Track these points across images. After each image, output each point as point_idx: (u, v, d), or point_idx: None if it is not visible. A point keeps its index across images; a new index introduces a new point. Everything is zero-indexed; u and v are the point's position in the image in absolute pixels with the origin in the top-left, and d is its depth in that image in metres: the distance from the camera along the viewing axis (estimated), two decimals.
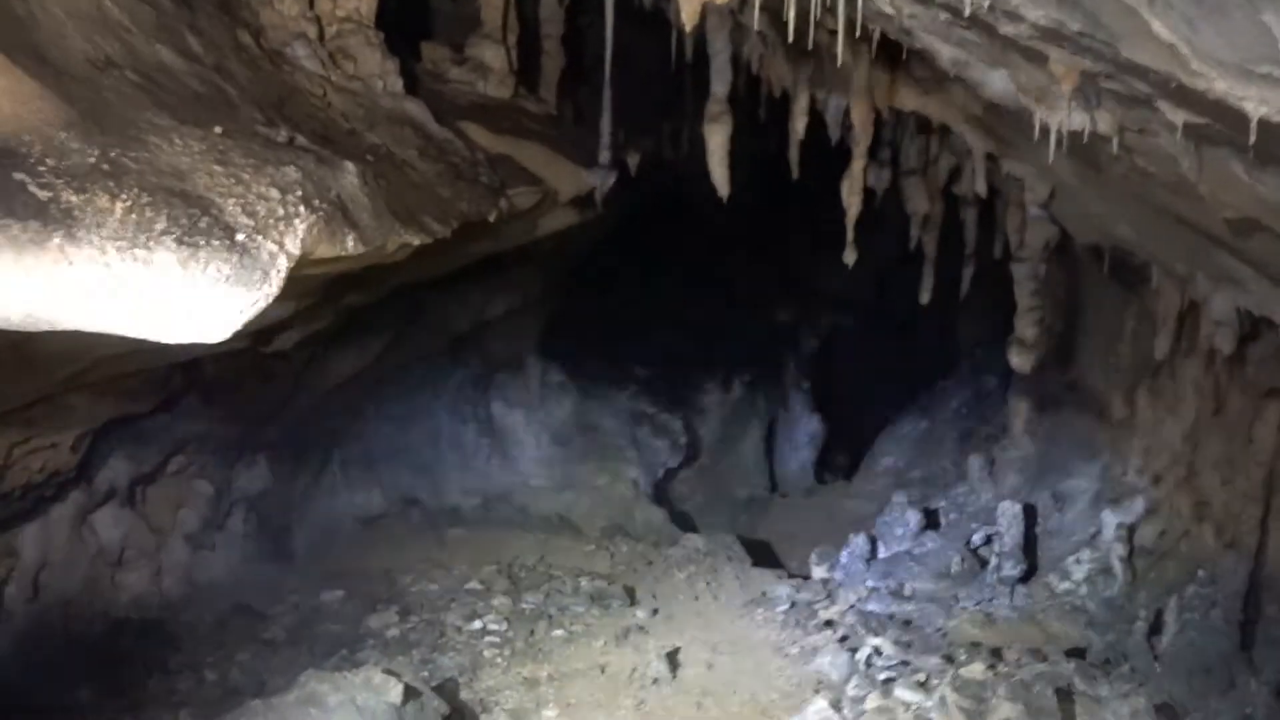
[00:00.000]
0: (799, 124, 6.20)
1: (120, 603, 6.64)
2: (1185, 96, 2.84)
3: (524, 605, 7.36)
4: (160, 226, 2.89)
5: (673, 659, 6.47)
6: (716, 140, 6.27)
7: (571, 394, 10.19)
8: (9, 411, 4.67)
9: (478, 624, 7.01)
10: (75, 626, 6.27)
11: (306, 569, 7.85)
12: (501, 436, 9.84)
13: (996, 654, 6.68)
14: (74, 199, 2.75)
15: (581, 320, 10.91)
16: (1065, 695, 5.96)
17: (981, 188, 6.58)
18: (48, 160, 2.79)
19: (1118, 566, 7.34)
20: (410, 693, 5.06)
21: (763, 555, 9.66)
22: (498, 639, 6.78)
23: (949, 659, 6.63)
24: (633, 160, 6.56)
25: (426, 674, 5.98)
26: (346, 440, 8.82)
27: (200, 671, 6.12)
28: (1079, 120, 3.68)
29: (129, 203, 2.85)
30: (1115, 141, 3.72)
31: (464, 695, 5.88)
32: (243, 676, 6.13)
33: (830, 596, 7.83)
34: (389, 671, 5.16)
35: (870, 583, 8.02)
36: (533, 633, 6.91)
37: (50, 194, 2.71)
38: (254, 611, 6.93)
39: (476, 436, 9.76)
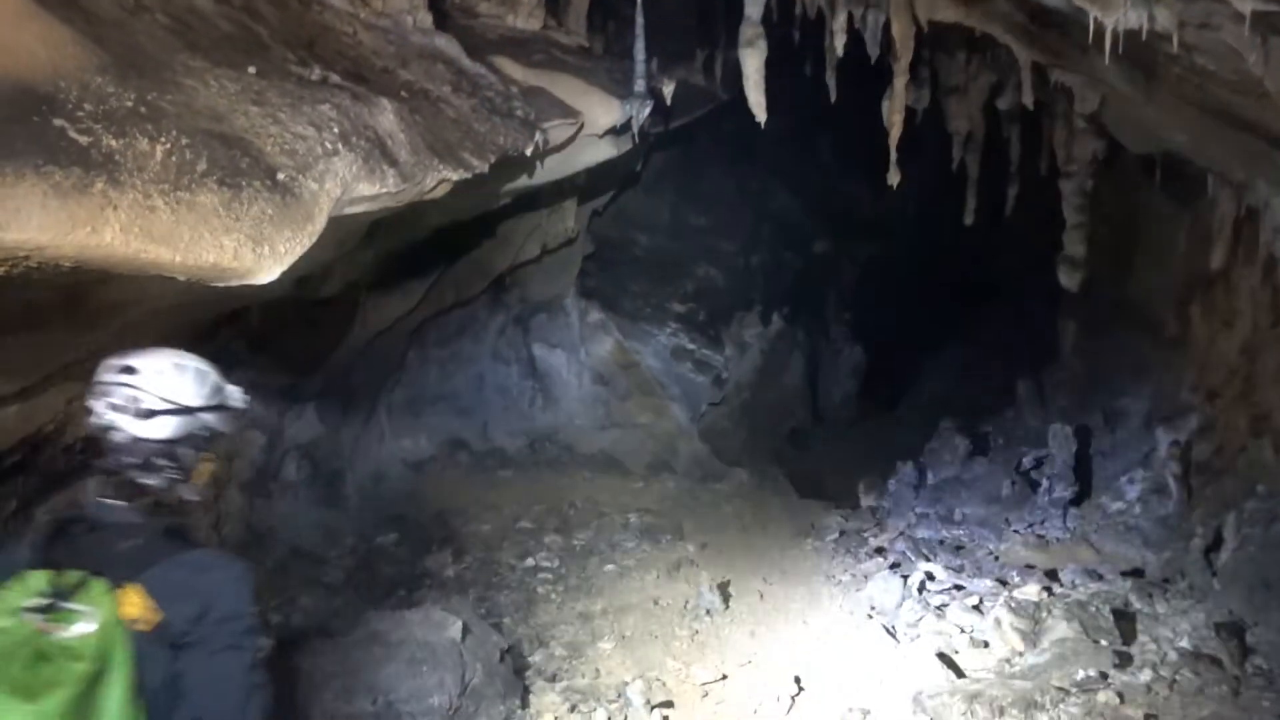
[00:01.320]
0: (837, 42, 6.03)
1: None
2: None
3: (575, 542, 7.44)
4: (201, 168, 2.88)
5: (724, 590, 6.51)
6: (752, 65, 6.14)
7: (612, 333, 10.17)
8: (66, 365, 4.73)
9: (530, 562, 7.10)
10: None
11: (360, 514, 7.97)
12: (544, 377, 9.87)
13: (1050, 575, 6.66)
14: (114, 144, 2.73)
15: (619, 258, 10.85)
16: (1122, 614, 5.93)
17: (1029, 100, 6.38)
18: (85, 105, 2.77)
19: (1172, 485, 7.24)
20: (469, 629, 5.14)
21: (809, 487, 9.67)
22: (551, 575, 6.86)
23: (1002, 582, 6.62)
24: (667, 89, 6.42)
25: (484, 611, 6.07)
26: (392, 386, 8.88)
27: (264, 615, 6.25)
28: (1135, 18, 3.53)
29: (169, 145, 2.84)
30: (1175, 39, 3.56)
31: (521, 630, 5.96)
32: (305, 619, 6.26)
33: (879, 524, 7.84)
34: (447, 609, 5.24)
35: (919, 509, 8.01)
36: (585, 569, 6.98)
37: (90, 139, 2.70)
38: (312, 556, 7.06)
39: (519, 378, 9.80)
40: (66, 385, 4.84)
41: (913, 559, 6.99)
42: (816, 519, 8.11)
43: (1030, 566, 6.85)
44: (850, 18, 6.17)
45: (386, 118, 3.71)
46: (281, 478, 7.60)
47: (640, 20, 5.72)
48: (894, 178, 6.46)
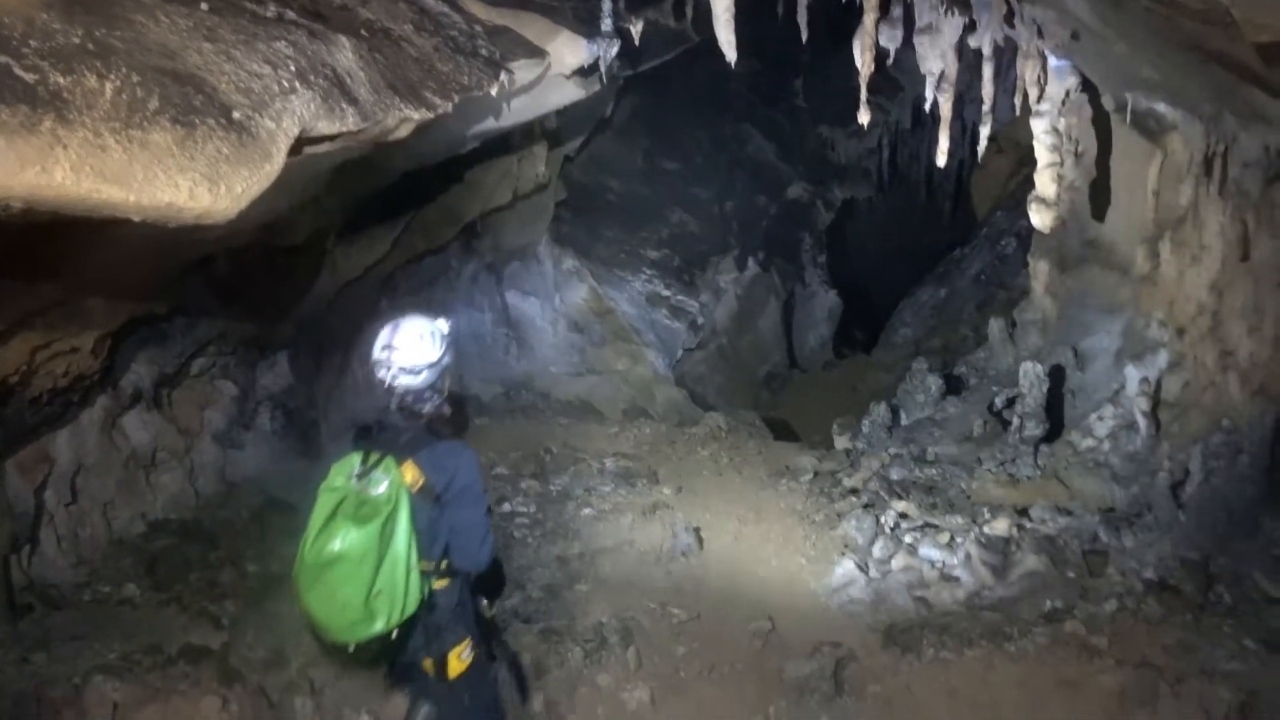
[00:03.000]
0: None
1: (157, 503, 6.77)
2: None
3: (551, 488, 7.46)
4: (153, 106, 2.81)
5: (700, 532, 6.57)
6: (722, 3, 6.03)
7: (586, 279, 10.14)
8: (28, 315, 4.67)
9: (507, 507, 7.13)
10: (116, 527, 6.41)
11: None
12: (518, 325, 9.84)
13: (1021, 512, 6.76)
14: (62, 81, 2.66)
15: (592, 204, 10.77)
16: (1090, 547, 6.04)
17: (999, 37, 6.33)
18: (31, 42, 2.70)
19: (1141, 421, 7.32)
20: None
21: (784, 430, 9.75)
22: (528, 520, 6.90)
23: (973, 519, 6.71)
24: (635, 29, 6.31)
25: None
26: (365, 335, 8.82)
27: (241, 565, 6.25)
28: None
29: (119, 83, 2.77)
30: None
31: None
32: (283, 567, 6.23)
33: (853, 465, 7.89)
34: None
35: (893, 450, 8.06)
36: (561, 513, 7.02)
37: (37, 76, 2.63)
38: (289, 506, 7.03)
39: (494, 326, 9.77)
40: (29, 335, 4.79)
41: (886, 498, 7.07)
42: (791, 461, 8.16)
43: (1000, 504, 6.94)
44: None
45: (345, 55, 3.63)
46: (255, 428, 7.57)
47: None
48: (864, 117, 6.41)
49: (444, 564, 3.06)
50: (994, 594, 5.48)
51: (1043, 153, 7.27)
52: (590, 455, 8.10)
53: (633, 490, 7.43)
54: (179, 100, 2.87)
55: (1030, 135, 7.50)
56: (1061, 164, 7.38)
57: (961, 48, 7.73)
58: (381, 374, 3.10)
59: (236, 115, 2.99)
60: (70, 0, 2.93)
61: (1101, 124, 7.76)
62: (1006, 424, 8.01)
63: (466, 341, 9.58)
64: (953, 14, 7.41)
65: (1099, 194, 8.31)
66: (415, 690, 3.36)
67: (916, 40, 7.78)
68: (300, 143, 3.26)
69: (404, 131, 3.96)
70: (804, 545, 6.57)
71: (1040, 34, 6.31)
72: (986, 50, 7.30)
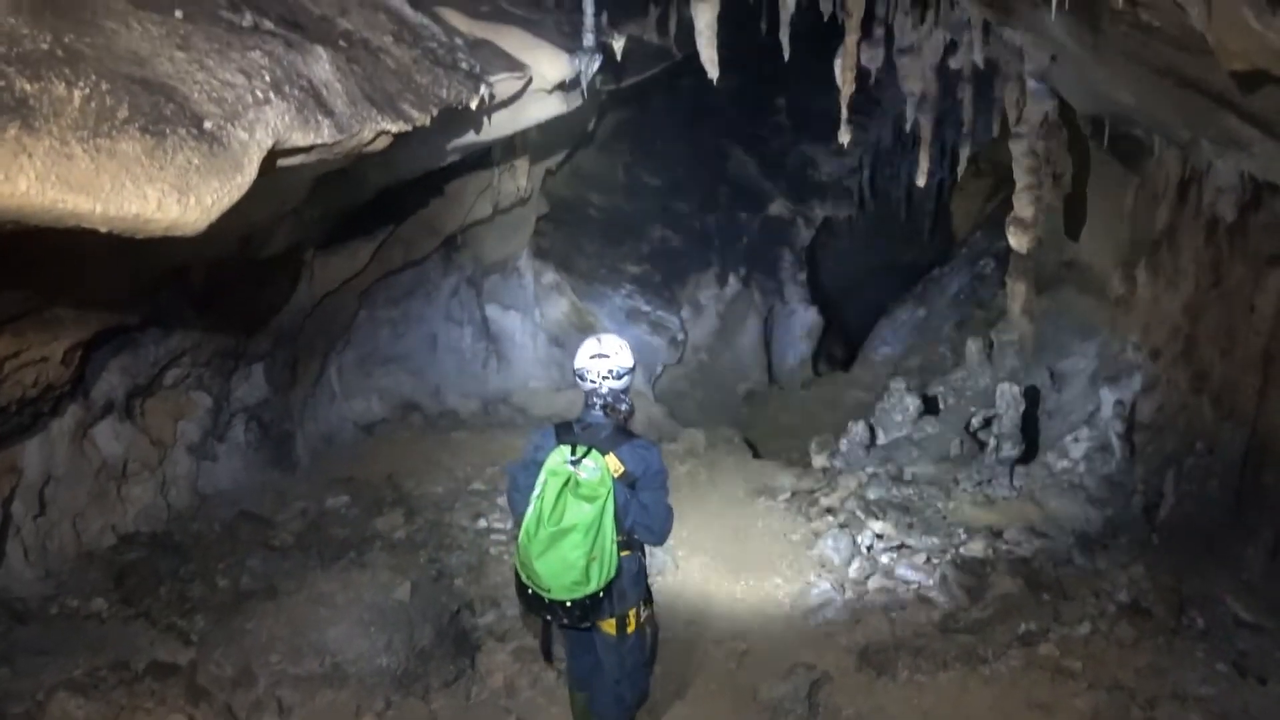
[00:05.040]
0: None
1: (128, 516, 6.67)
2: None
3: None
4: (123, 115, 2.77)
5: (676, 550, 6.53)
6: (704, 20, 6.06)
7: (566, 294, 10.12)
8: None
9: (483, 523, 7.07)
10: (86, 539, 6.31)
11: (310, 476, 7.88)
12: (498, 339, 9.80)
13: (996, 534, 6.77)
14: (28, 88, 2.62)
15: (573, 218, 10.75)
16: (1064, 569, 6.05)
17: (979, 59, 6.37)
18: None
19: (1116, 443, 7.36)
20: (418, 589, 5.10)
21: (763, 448, 9.72)
22: (503, 536, 6.84)
23: (949, 539, 6.72)
24: (617, 44, 6.32)
25: (434, 573, 6.04)
26: (342, 347, 8.77)
27: (211, 579, 6.17)
28: None
29: (87, 90, 2.73)
30: None
31: (473, 591, 5.95)
32: (253, 581, 6.18)
33: (831, 484, 7.89)
34: (396, 570, 5.20)
35: (870, 469, 8.06)
36: None
37: (2, 83, 2.58)
38: (261, 519, 6.97)
39: (473, 340, 9.72)
40: None
41: (862, 518, 7.06)
42: (769, 479, 8.15)
43: (976, 525, 6.95)
44: None
45: (322, 66, 3.60)
46: (229, 440, 7.48)
47: None
48: (844, 136, 6.43)
49: (627, 538, 3.68)
50: (969, 616, 5.47)
51: (1021, 175, 7.31)
52: None
53: None
54: (149, 109, 2.83)
55: (1009, 157, 7.54)
56: (1040, 186, 7.41)
57: (942, 69, 7.79)
58: (591, 378, 3.66)
59: (208, 125, 2.95)
60: (40, 5, 2.89)
61: (1079, 147, 7.83)
62: (983, 444, 8.04)
63: (445, 354, 9.54)
64: (933, 35, 7.47)
65: (1076, 217, 8.38)
66: (576, 642, 3.99)
67: (898, 60, 7.83)
68: (274, 154, 3.22)
69: (381, 144, 3.93)
70: (780, 565, 6.54)
71: (1020, 56, 6.36)
72: (966, 72, 7.36)
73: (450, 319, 9.55)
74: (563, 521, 3.49)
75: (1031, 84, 6.63)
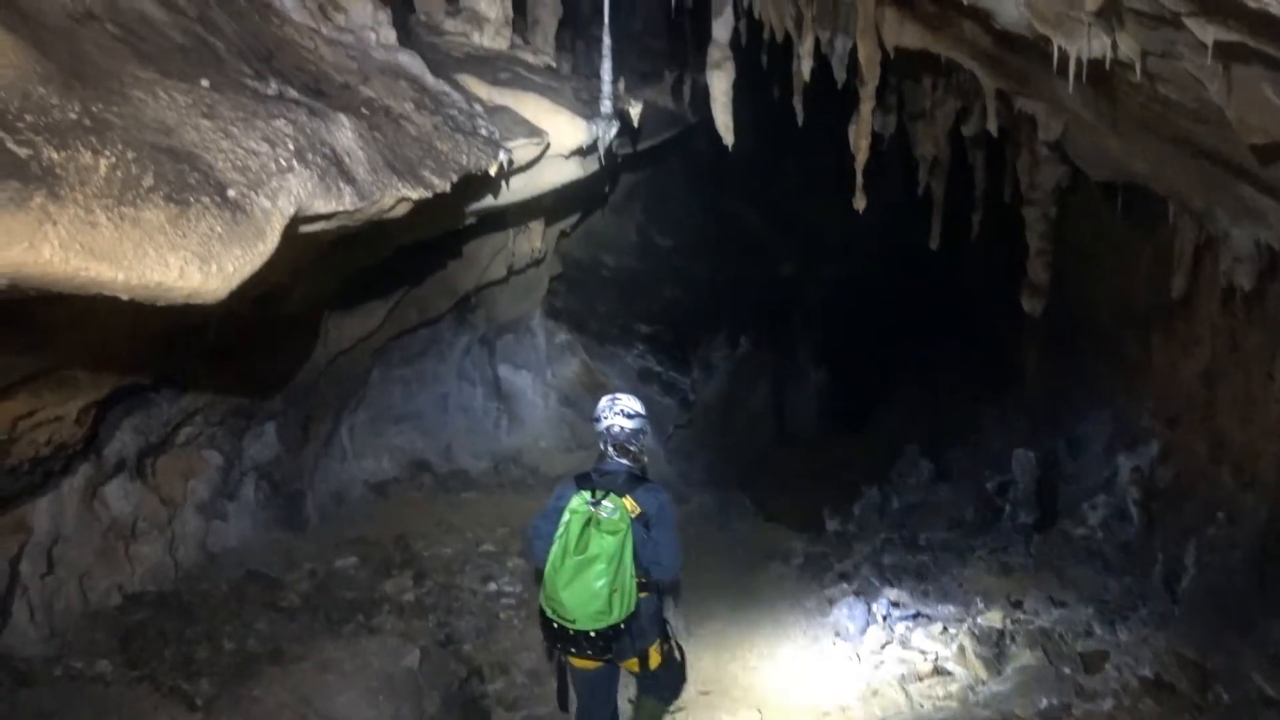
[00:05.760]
0: (805, 66, 6.03)
1: (135, 575, 6.61)
2: (1220, 6, 2.68)
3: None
4: (148, 183, 2.78)
5: (688, 615, 6.43)
6: (720, 87, 6.13)
7: (578, 353, 10.11)
8: (11, 385, 4.59)
9: (493, 586, 6.98)
10: (92, 599, 6.24)
11: (320, 536, 7.81)
12: (510, 398, 9.77)
13: (1015, 604, 6.65)
14: (55, 156, 2.64)
15: (586, 279, 10.80)
16: (1085, 641, 5.92)
17: (993, 127, 6.42)
18: (26, 116, 2.68)
19: (1134, 510, 7.27)
20: (427, 656, 5.03)
21: (774, 510, 9.63)
22: (513, 600, 6.75)
23: (966, 608, 6.60)
24: (634, 110, 6.39)
25: (443, 637, 5.95)
26: (354, 406, 8.75)
27: (218, 641, 6.08)
28: (1098, 47, 3.54)
29: (113, 159, 2.75)
30: (1138, 68, 3.57)
31: (482, 657, 5.85)
32: (260, 644, 6.10)
33: (844, 549, 7.79)
34: (405, 636, 5.13)
35: (884, 534, 7.98)
36: None
37: (30, 151, 2.60)
38: (269, 579, 6.90)
39: (485, 399, 9.69)
40: (11, 404, 4.71)
41: (877, 584, 6.95)
42: (781, 543, 8.06)
43: (993, 593, 6.83)
44: (817, 42, 6.18)
45: (345, 134, 3.63)
46: (239, 498, 7.44)
47: (607, 41, 5.69)
48: (860, 202, 6.46)
49: (645, 579, 3.93)
50: (988, 689, 5.35)
51: (1034, 240, 7.34)
52: None
53: None
54: (174, 177, 2.85)
55: (1022, 222, 7.57)
56: (1052, 251, 7.44)
57: (955, 134, 7.87)
58: (607, 418, 4.00)
59: (231, 193, 2.97)
60: (69, 74, 2.92)
61: (1093, 213, 7.85)
62: (999, 510, 7.95)
63: (456, 414, 9.50)
64: (946, 102, 7.55)
65: (1091, 283, 8.37)
66: (592, 694, 4.17)
67: (909, 126, 7.92)
68: (296, 221, 3.24)
69: (401, 210, 3.96)
70: (794, 632, 6.44)
71: (1033, 125, 6.40)
72: (979, 137, 7.44)
73: (463, 378, 9.54)
74: (588, 551, 3.75)
75: (1044, 150, 6.68)
